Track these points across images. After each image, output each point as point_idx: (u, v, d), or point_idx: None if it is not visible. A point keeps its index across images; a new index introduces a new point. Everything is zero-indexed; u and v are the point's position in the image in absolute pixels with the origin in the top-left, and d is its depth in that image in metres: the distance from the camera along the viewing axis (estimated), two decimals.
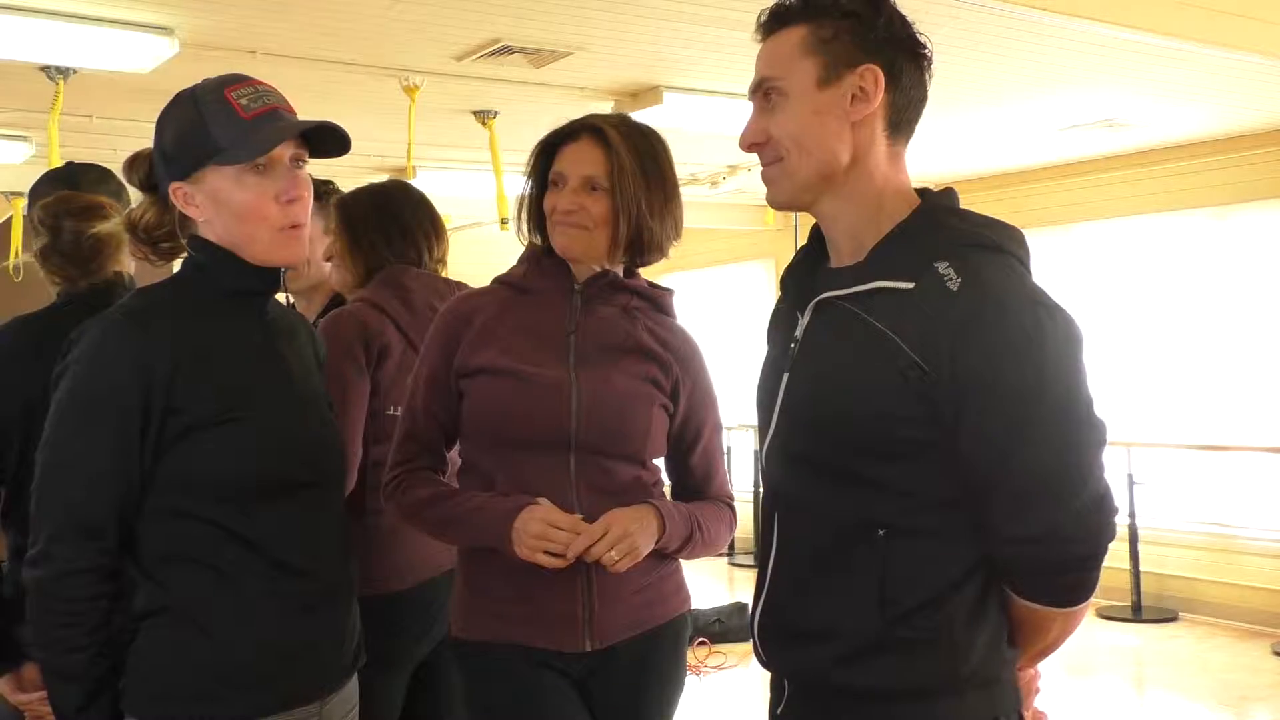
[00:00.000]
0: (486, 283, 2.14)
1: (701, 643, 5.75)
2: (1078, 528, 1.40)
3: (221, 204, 1.65)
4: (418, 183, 2.99)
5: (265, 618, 1.65)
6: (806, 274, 1.58)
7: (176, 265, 1.78)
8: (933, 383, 1.37)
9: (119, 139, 5.15)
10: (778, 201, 1.55)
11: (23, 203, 4.41)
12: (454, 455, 2.13)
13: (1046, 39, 4.39)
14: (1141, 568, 6.53)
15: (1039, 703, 1.63)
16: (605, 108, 5.11)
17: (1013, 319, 1.37)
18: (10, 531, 2.12)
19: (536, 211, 2.06)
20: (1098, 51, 4.57)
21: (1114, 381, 6.61)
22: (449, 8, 3.99)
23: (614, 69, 4.83)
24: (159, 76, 4.14)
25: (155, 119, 1.71)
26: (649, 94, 5.14)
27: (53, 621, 1.57)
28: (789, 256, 1.65)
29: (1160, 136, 6.41)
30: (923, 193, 1.54)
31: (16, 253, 5.09)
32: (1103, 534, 1.42)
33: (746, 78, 1.54)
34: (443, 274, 2.59)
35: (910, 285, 1.41)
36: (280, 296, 1.83)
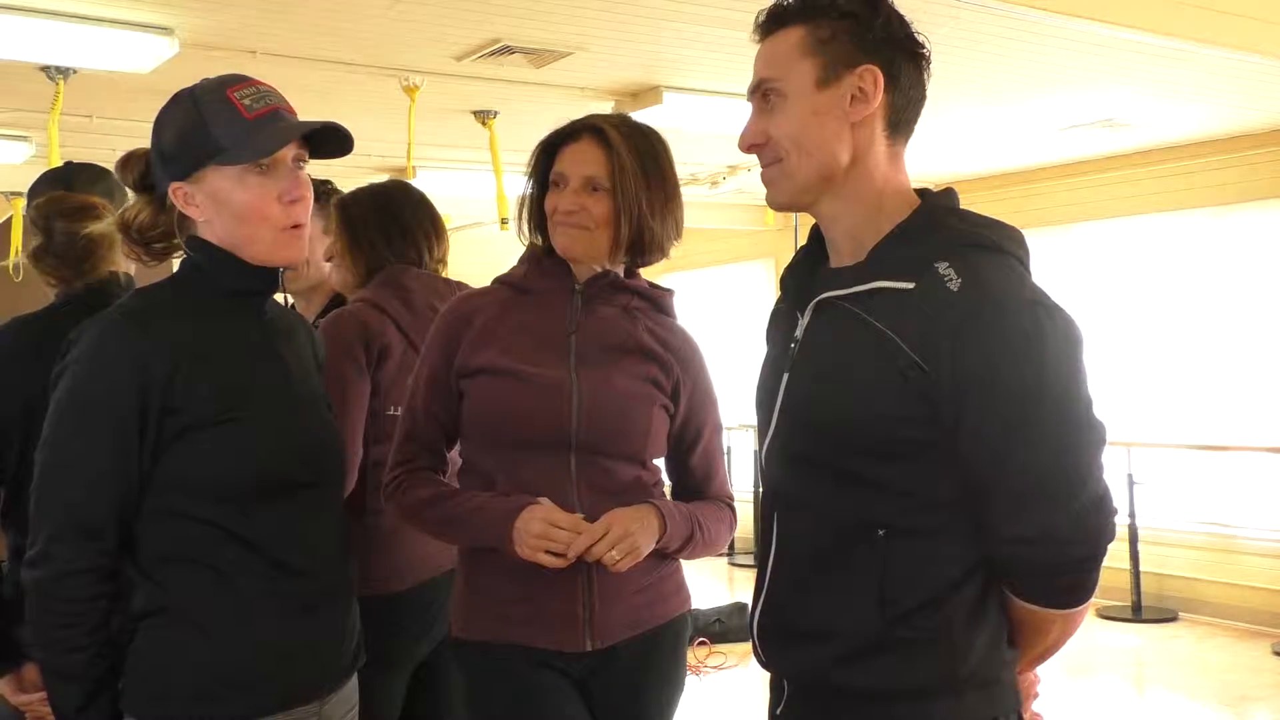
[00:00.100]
0: (487, 283, 2.14)
1: (701, 643, 5.75)
2: (1077, 528, 1.40)
3: (223, 204, 1.65)
4: (418, 183, 2.99)
5: (264, 618, 1.65)
6: (806, 274, 1.58)
7: (171, 265, 1.79)
8: (932, 383, 1.37)
9: (119, 139, 5.15)
10: (777, 202, 1.55)
11: (22, 203, 4.41)
12: (454, 455, 2.13)
13: (1046, 39, 4.39)
14: (1141, 568, 6.53)
15: (1037, 705, 1.62)
16: (605, 108, 5.11)
17: (1012, 319, 1.37)
18: (10, 532, 2.12)
19: (537, 212, 2.06)
20: (1098, 51, 4.57)
21: (1114, 381, 6.61)
22: (449, 8, 3.99)
23: (614, 69, 4.83)
24: (159, 76, 4.14)
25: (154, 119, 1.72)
26: (649, 94, 5.14)
27: (52, 622, 1.57)
28: (789, 256, 1.65)
29: (1160, 136, 6.41)
30: (923, 193, 1.54)
31: (16, 252, 5.09)
32: (1102, 535, 1.42)
33: (746, 78, 1.54)
34: (443, 274, 2.59)
35: (910, 285, 1.41)
36: (279, 297, 1.83)
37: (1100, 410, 1.41)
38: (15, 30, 3.89)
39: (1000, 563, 1.45)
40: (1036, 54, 4.65)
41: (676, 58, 4.67)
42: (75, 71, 4.50)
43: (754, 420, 1.64)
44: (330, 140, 1.70)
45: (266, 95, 1.66)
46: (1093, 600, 1.49)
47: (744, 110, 1.56)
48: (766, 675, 1.62)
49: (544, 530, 1.85)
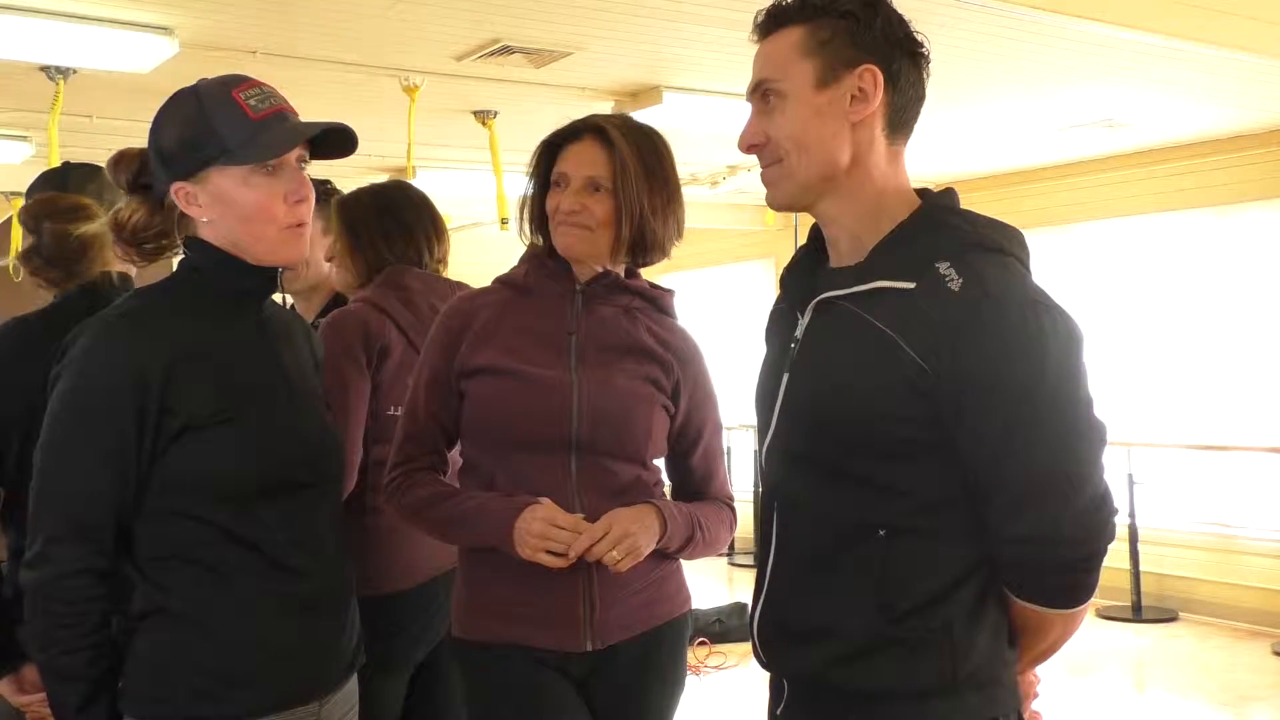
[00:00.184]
0: (487, 283, 2.14)
1: (701, 643, 5.75)
2: (1077, 528, 1.40)
3: (228, 203, 1.64)
4: (418, 183, 2.99)
5: (264, 618, 1.65)
6: (806, 274, 1.58)
7: (158, 266, 1.78)
8: (933, 383, 1.37)
9: (119, 139, 5.13)
10: (778, 203, 1.55)
11: (21, 203, 4.41)
12: (455, 455, 2.13)
13: (1046, 39, 4.39)
14: (1141, 568, 6.53)
15: (1036, 705, 1.62)
16: (605, 108, 5.11)
17: (1013, 319, 1.37)
18: (10, 532, 2.12)
19: (538, 211, 2.06)
20: (1098, 51, 4.57)
21: (1114, 381, 6.61)
22: (449, 8, 3.99)
23: (614, 69, 4.83)
24: (159, 76, 4.14)
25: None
26: (649, 94, 5.14)
27: (51, 622, 1.57)
28: (789, 256, 1.65)
29: (1160, 136, 6.41)
30: (923, 193, 1.54)
31: (16, 252, 5.09)
32: (1103, 534, 1.42)
33: (746, 78, 1.54)
34: (443, 274, 2.59)
35: (911, 285, 1.41)
36: (277, 297, 1.83)
37: (1100, 410, 1.41)
38: (15, 30, 3.89)
39: (1001, 562, 1.45)
40: (1036, 54, 4.65)
41: (676, 58, 4.67)
42: (75, 71, 4.50)
43: (754, 420, 1.64)
44: (333, 141, 1.70)
45: (270, 95, 1.66)
46: (1093, 600, 1.49)
47: (744, 110, 1.56)
48: (766, 675, 1.62)
49: (545, 530, 1.85)
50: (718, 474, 2.18)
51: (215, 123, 1.62)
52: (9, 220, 6.09)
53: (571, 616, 1.94)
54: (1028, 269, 1.48)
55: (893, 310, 1.42)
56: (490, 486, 1.98)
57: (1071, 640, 1.55)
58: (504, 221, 5.62)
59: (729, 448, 7.89)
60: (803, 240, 1.64)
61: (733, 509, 2.17)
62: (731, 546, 8.25)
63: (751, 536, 8.07)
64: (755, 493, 7.70)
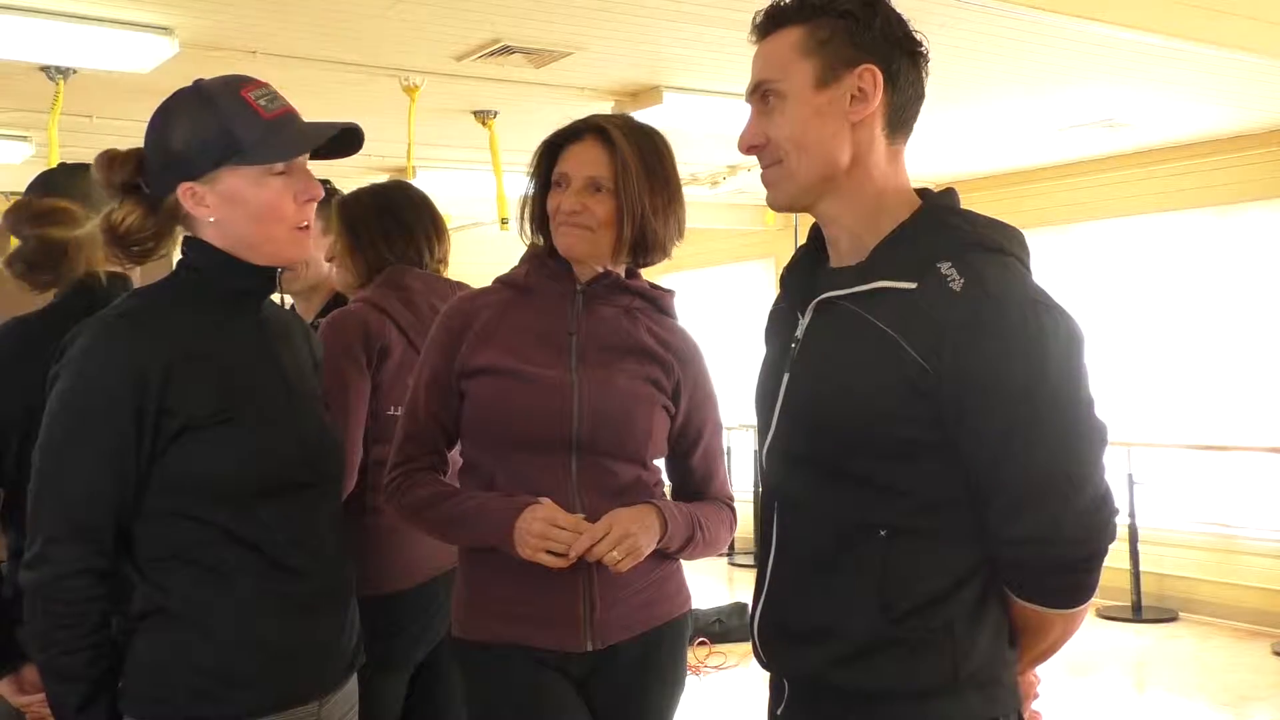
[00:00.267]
0: (487, 283, 2.14)
1: (701, 643, 5.75)
2: (1078, 528, 1.40)
3: (239, 204, 1.64)
4: (418, 183, 2.99)
5: (264, 618, 1.65)
6: (806, 274, 1.58)
7: (147, 267, 1.77)
8: (934, 383, 1.37)
9: (119, 139, 5.14)
10: (778, 203, 1.55)
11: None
12: (455, 455, 2.13)
13: (1046, 39, 4.39)
14: (1141, 568, 6.53)
15: (1036, 705, 1.62)
16: (605, 108, 5.11)
17: (1015, 320, 1.37)
18: (10, 533, 2.12)
19: (539, 212, 2.06)
20: (1098, 51, 4.57)
21: (1114, 381, 6.61)
22: (449, 8, 3.99)
23: (614, 69, 4.83)
24: (159, 76, 4.14)
25: None
26: (649, 94, 5.14)
27: (51, 623, 1.57)
28: (789, 256, 1.65)
29: (1160, 136, 6.41)
30: (923, 193, 1.54)
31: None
32: (1103, 535, 1.42)
33: (746, 78, 1.54)
34: (444, 274, 2.59)
35: (913, 285, 1.41)
36: (275, 297, 1.83)
37: (1100, 410, 1.41)
38: (15, 30, 3.89)
39: (1001, 562, 1.45)
40: (1036, 54, 4.65)
41: (676, 58, 4.67)
42: (75, 71, 4.50)
43: (754, 420, 1.64)
44: (336, 141, 1.70)
45: (276, 96, 1.67)
46: (1093, 600, 1.49)
47: (744, 110, 1.55)
48: (766, 675, 1.62)
49: (545, 530, 1.85)
50: (718, 474, 2.18)
51: (229, 123, 1.61)
52: None
53: (571, 616, 1.94)
54: (1028, 269, 1.48)
55: (894, 310, 1.41)
56: (490, 486, 1.98)
57: (1071, 640, 1.55)
58: (504, 221, 5.62)
59: (729, 448, 7.89)
60: (803, 240, 1.64)
61: (733, 509, 2.17)
62: (731, 546, 8.25)
63: (751, 536, 8.07)
64: (755, 493, 7.70)
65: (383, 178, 3.74)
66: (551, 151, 2.04)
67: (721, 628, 6.02)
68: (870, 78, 1.45)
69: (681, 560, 2.09)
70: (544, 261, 2.06)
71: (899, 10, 1.51)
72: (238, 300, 1.73)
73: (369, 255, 2.51)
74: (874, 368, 1.41)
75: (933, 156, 6.74)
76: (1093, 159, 6.99)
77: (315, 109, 1.74)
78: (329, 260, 2.63)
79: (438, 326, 2.08)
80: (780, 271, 1.69)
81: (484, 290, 2.12)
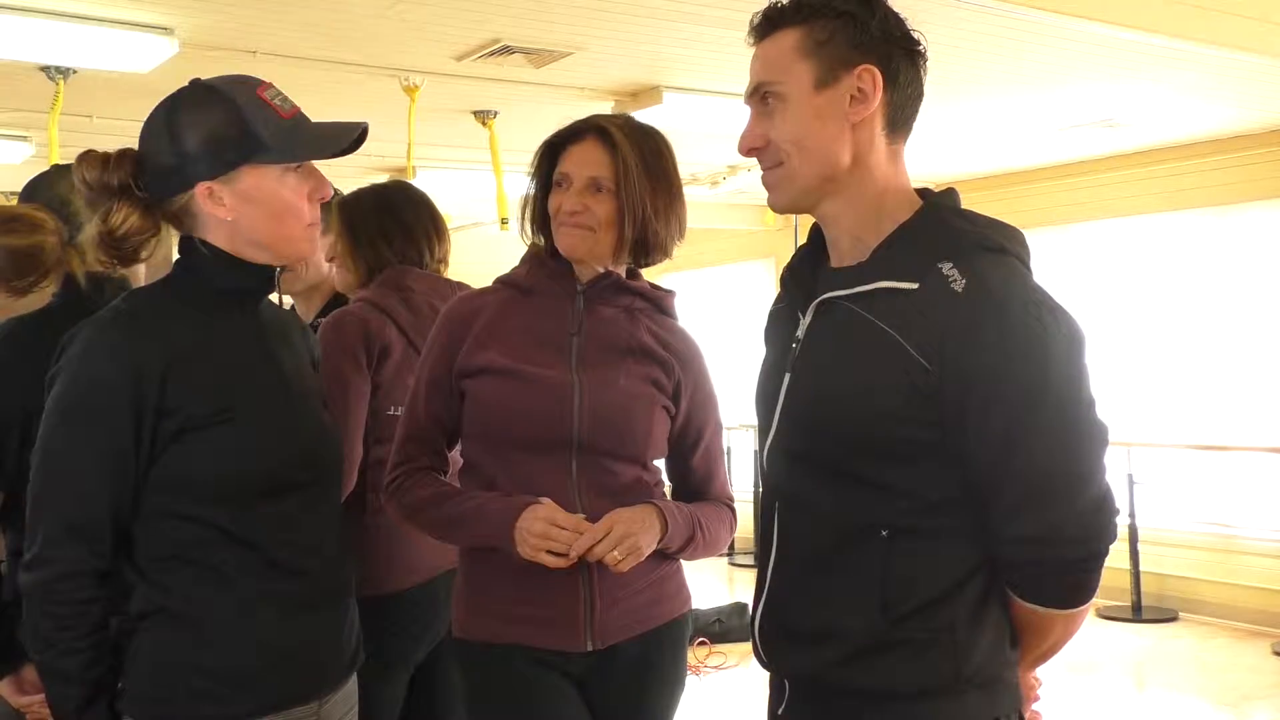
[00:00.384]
0: (488, 283, 2.14)
1: (701, 643, 5.75)
2: (1079, 528, 1.40)
3: (258, 202, 1.64)
4: (418, 183, 2.99)
5: (263, 618, 1.64)
6: (807, 274, 1.58)
7: (141, 269, 1.75)
8: (936, 383, 1.37)
9: (119, 139, 5.14)
10: (780, 205, 1.55)
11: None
12: (455, 455, 2.13)
13: (1046, 39, 4.39)
14: (1141, 568, 6.53)
15: (1037, 705, 1.62)
16: (605, 108, 5.11)
17: (1016, 320, 1.37)
18: (9, 533, 2.12)
19: (540, 212, 2.06)
20: (1098, 51, 4.57)
21: (1114, 381, 6.61)
22: (449, 8, 3.99)
23: (614, 69, 4.83)
24: (159, 76, 4.14)
25: None
26: (649, 94, 5.14)
27: (50, 624, 1.57)
28: (789, 256, 1.65)
29: (1160, 136, 6.41)
30: (924, 193, 1.54)
31: None
32: (1104, 535, 1.42)
33: (746, 78, 1.54)
34: (444, 274, 2.59)
35: (914, 286, 1.41)
36: (274, 297, 1.83)
37: (1101, 410, 1.41)
38: (15, 30, 3.89)
39: (1002, 562, 1.45)
40: (1036, 54, 4.65)
41: (676, 58, 4.67)
42: (75, 71, 4.50)
43: (754, 420, 1.64)
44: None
45: (286, 96, 1.68)
46: (1093, 600, 1.49)
47: (744, 110, 1.55)
48: (766, 675, 1.62)
49: (545, 530, 1.85)
50: (718, 475, 2.18)
51: (251, 122, 1.61)
52: None
53: (572, 616, 1.94)
54: (1029, 269, 1.48)
55: (895, 311, 1.41)
56: (491, 487, 1.98)
57: (1071, 640, 1.55)
58: (504, 221, 5.62)
59: (729, 448, 7.89)
60: (803, 240, 1.64)
61: (733, 510, 2.17)
62: (731, 546, 8.25)
63: (751, 536, 8.07)
64: (755, 493, 7.70)
65: (383, 178, 3.75)
66: (552, 152, 2.04)
67: (721, 628, 6.02)
68: (870, 78, 1.45)
69: (681, 560, 2.09)
70: (545, 262, 2.06)
71: (899, 10, 1.51)
72: (237, 300, 1.73)
73: (369, 255, 2.51)
74: (875, 368, 1.41)
75: (933, 157, 6.74)
76: (1093, 159, 6.99)
77: (315, 109, 1.74)
78: (329, 260, 2.63)
79: (438, 327, 2.08)
80: (780, 271, 1.69)
81: (484, 290, 2.12)
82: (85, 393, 1.58)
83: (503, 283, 2.11)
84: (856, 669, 1.45)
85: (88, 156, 1.65)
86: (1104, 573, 1.47)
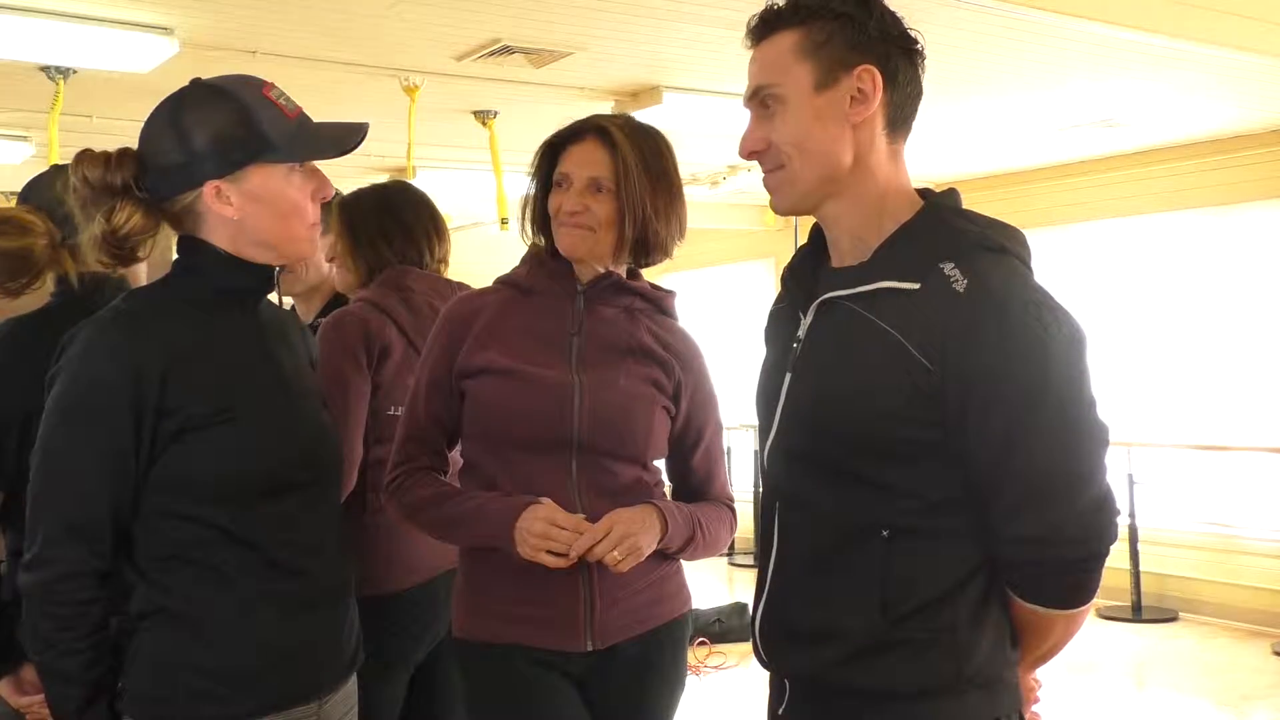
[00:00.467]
0: (488, 283, 2.14)
1: (701, 643, 5.75)
2: (1080, 528, 1.40)
3: (266, 201, 1.64)
4: (418, 183, 2.99)
5: (263, 618, 1.64)
6: (808, 274, 1.58)
7: (142, 268, 1.74)
8: (937, 383, 1.37)
9: (119, 139, 5.14)
10: (782, 208, 1.54)
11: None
12: (455, 455, 2.13)
13: (1046, 39, 4.39)
14: (1141, 568, 6.53)
15: (1036, 706, 1.62)
16: (605, 108, 5.11)
17: (1018, 320, 1.37)
18: (9, 533, 2.12)
19: (540, 212, 2.06)
20: (1098, 51, 4.57)
21: (1114, 381, 6.60)
22: (449, 8, 3.99)
23: (614, 69, 4.83)
24: (159, 76, 4.14)
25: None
26: (649, 94, 5.14)
27: (50, 625, 1.56)
28: (789, 256, 1.65)
29: (1160, 136, 6.41)
30: (925, 193, 1.54)
31: None
32: (1105, 535, 1.42)
33: (747, 78, 1.54)
34: (444, 274, 2.59)
35: (916, 286, 1.41)
36: (273, 297, 1.83)
37: (1101, 410, 1.41)
38: (15, 30, 3.89)
39: (1003, 562, 1.45)
40: (1036, 54, 4.65)
41: (676, 58, 4.67)
42: (75, 71, 4.50)
43: (754, 420, 1.64)
44: None
45: (289, 96, 1.68)
46: (1093, 600, 1.49)
47: (745, 110, 1.55)
48: (766, 675, 1.62)
49: (545, 530, 1.85)
50: (718, 475, 2.18)
51: (259, 121, 1.62)
52: None
53: (572, 617, 1.94)
54: (1030, 269, 1.48)
55: (897, 311, 1.41)
56: (491, 487, 1.98)
57: (1072, 640, 1.55)
58: (504, 221, 5.62)
59: (729, 448, 7.89)
60: (803, 240, 1.64)
61: (733, 510, 2.17)
62: (731, 546, 8.25)
63: (751, 536, 8.07)
64: (755, 493, 7.71)
65: (383, 178, 3.75)
66: (552, 152, 2.04)
67: (721, 628, 6.02)
68: (869, 78, 1.45)
69: (681, 560, 2.09)
70: (545, 262, 2.06)
71: (899, 10, 1.51)
72: (236, 300, 1.73)
73: (369, 255, 2.51)
74: (877, 368, 1.41)
75: (933, 157, 6.74)
76: (1093, 159, 6.99)
77: (315, 109, 1.74)
78: (329, 260, 2.63)
79: (438, 327, 2.08)
80: (780, 271, 1.69)
81: (485, 290, 2.12)
82: (85, 393, 1.58)
83: (503, 283, 2.11)
84: (857, 669, 1.45)
85: (88, 155, 1.65)
86: (1104, 573, 1.47)
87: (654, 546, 1.93)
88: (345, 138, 1.68)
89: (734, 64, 4.64)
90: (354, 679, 1.82)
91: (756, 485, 7.74)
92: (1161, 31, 4.07)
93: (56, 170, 2.29)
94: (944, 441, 1.40)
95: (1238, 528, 6.51)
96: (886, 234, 1.48)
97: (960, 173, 7.26)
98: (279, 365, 1.75)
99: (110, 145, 1.68)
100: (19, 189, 2.37)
